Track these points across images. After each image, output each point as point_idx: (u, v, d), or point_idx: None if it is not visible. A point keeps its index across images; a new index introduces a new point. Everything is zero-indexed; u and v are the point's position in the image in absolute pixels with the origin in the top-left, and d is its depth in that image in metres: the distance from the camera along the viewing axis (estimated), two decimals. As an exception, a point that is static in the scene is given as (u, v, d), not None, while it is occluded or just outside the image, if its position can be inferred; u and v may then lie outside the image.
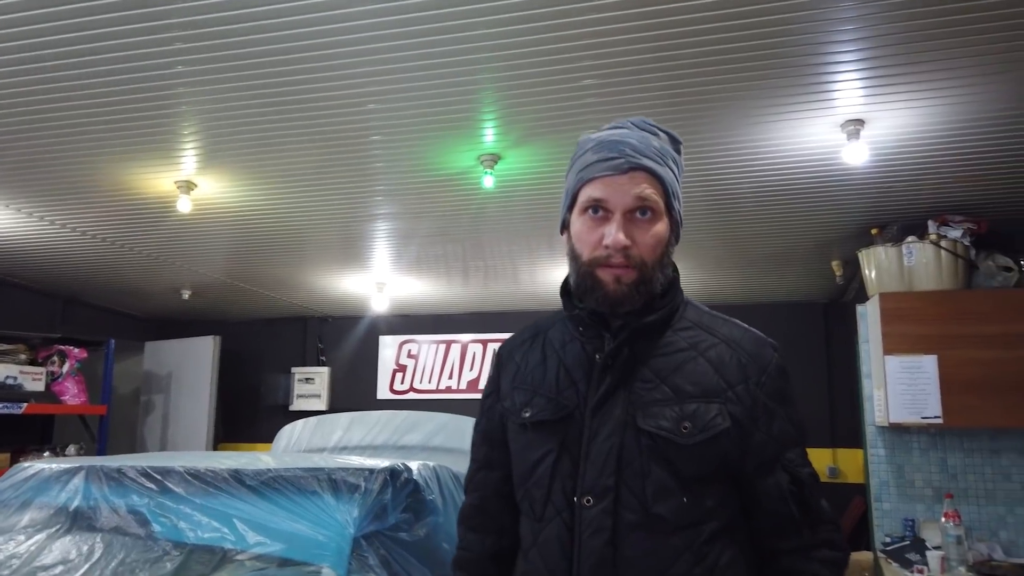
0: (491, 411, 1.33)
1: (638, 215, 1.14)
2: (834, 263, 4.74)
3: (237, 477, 2.33)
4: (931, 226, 3.73)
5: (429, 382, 6.69)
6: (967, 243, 3.66)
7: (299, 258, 5.10)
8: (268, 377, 6.98)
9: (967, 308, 3.54)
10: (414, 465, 2.69)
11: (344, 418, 4.45)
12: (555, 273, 5.35)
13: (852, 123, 2.91)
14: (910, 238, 3.74)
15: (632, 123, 1.22)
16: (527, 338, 1.32)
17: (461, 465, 3.84)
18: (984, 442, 3.74)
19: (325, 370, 6.90)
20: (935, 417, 3.49)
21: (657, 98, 2.74)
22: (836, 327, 5.77)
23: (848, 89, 2.67)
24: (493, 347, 6.40)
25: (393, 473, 2.48)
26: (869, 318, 3.89)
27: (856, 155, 2.97)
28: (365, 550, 2.28)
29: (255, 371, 7.07)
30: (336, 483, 2.35)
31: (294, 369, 6.96)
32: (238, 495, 2.29)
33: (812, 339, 5.90)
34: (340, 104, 2.82)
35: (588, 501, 1.10)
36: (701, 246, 4.66)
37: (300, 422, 4.56)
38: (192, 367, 6.71)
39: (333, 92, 2.72)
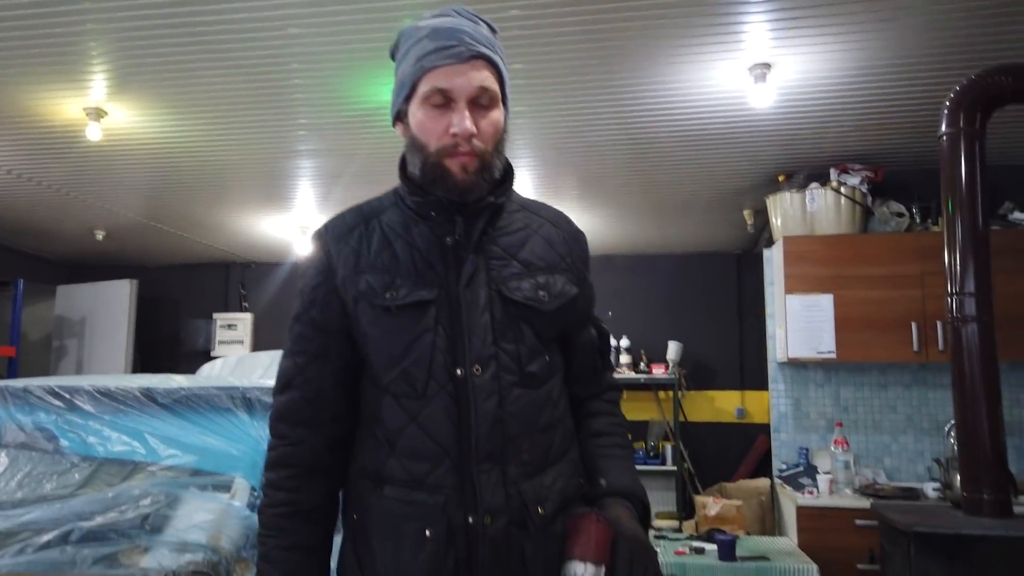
0: (327, 299, 1.24)
1: (480, 103, 1.18)
2: (746, 212, 4.95)
3: (149, 395, 2.34)
4: (833, 174, 3.95)
5: None
6: (864, 190, 3.89)
7: (218, 197, 5.00)
8: (189, 323, 6.86)
9: (862, 251, 3.78)
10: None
11: (265, 356, 4.44)
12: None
13: (759, 67, 3.04)
14: (813, 185, 3.95)
15: (455, 11, 1.23)
16: (356, 224, 1.28)
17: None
18: (874, 376, 4.03)
19: (248, 316, 6.81)
20: (829, 352, 3.74)
21: (574, 34, 2.80)
22: (748, 276, 6.04)
23: (756, 32, 2.79)
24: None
25: (309, 393, 2.53)
26: (774, 261, 4.11)
27: (763, 98, 3.11)
28: (279, 465, 2.34)
29: (175, 317, 6.93)
30: (251, 401, 2.38)
31: (216, 315, 6.85)
32: (150, 412, 2.30)
33: (725, 288, 6.17)
34: (258, 28, 2.77)
35: (477, 370, 1.18)
36: (618, 194, 4.78)
37: (220, 360, 4.53)
38: (107, 312, 6.52)
39: (250, 14, 2.68)
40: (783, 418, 4.10)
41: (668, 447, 5.51)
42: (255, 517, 2.01)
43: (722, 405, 6.02)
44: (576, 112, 3.55)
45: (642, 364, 5.79)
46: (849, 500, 3.48)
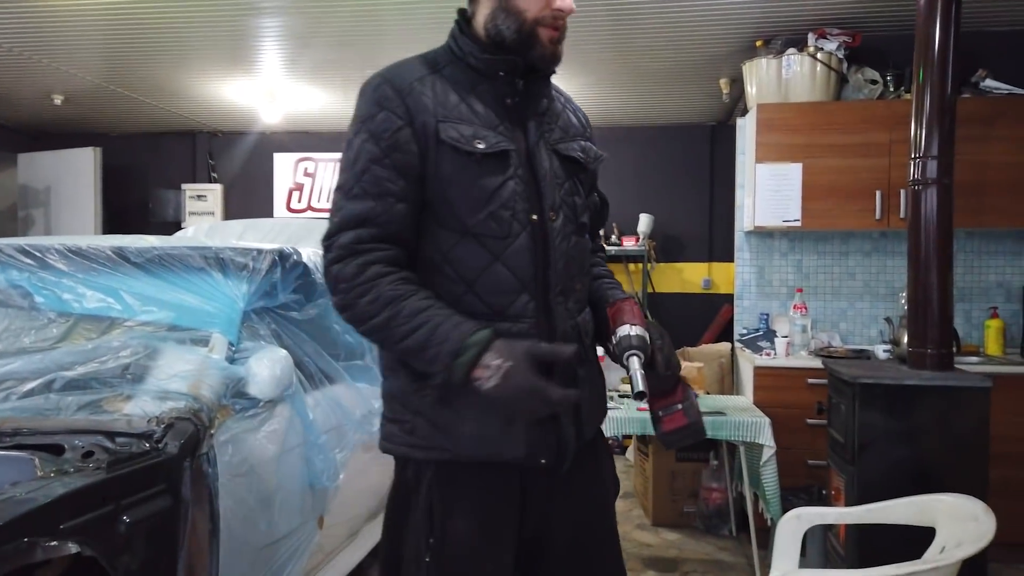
0: (407, 143, 1.28)
1: None
2: (722, 81, 4.87)
3: (121, 254, 2.35)
4: (810, 39, 3.88)
5: (327, 201, 6.63)
6: (841, 56, 3.84)
7: (181, 59, 4.79)
8: (157, 193, 6.73)
9: (833, 119, 3.78)
10: (305, 249, 2.77)
11: (238, 225, 4.43)
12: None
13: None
14: (790, 51, 3.88)
15: None
16: (423, 72, 1.33)
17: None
18: (836, 244, 4.15)
19: (218, 187, 6.70)
20: (794, 220, 3.82)
21: None
22: (721, 148, 6.02)
23: None
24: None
25: (282, 255, 2.55)
26: (747, 131, 4.10)
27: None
28: (256, 322, 2.40)
29: (143, 187, 6.79)
30: (224, 262, 2.41)
31: (184, 186, 6.72)
32: (123, 271, 2.32)
33: (698, 160, 6.16)
34: None
35: (552, 216, 1.35)
36: (594, 60, 4.66)
37: (193, 227, 4.52)
38: (72, 181, 6.37)
39: None
40: (746, 286, 4.24)
41: (637, 316, 5.67)
42: (234, 369, 2.11)
43: (690, 277, 6.16)
44: None
45: (613, 236, 5.87)
46: (803, 361, 3.66)
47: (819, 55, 3.81)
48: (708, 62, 4.64)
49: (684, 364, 4.25)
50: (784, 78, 3.90)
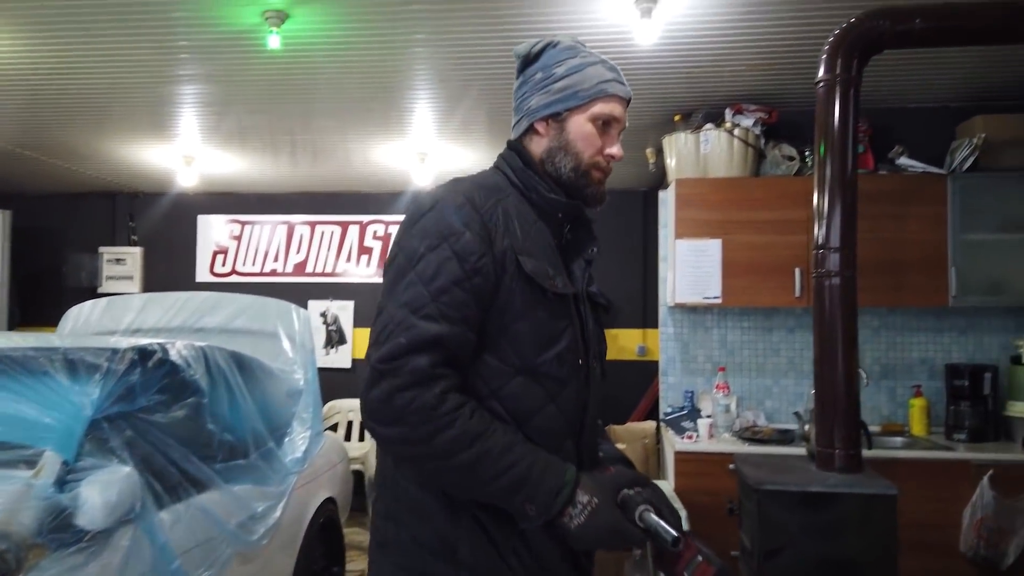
0: (488, 270, 1.23)
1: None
2: (648, 150, 4.83)
3: (-49, 358, 2.11)
4: (727, 114, 3.85)
5: (253, 264, 6.41)
6: (758, 132, 3.81)
7: (98, 124, 4.60)
8: (72, 257, 6.43)
9: (751, 195, 3.73)
10: (176, 345, 2.56)
11: (138, 299, 4.18)
12: (388, 153, 5.14)
13: (645, 1, 2.86)
14: (708, 125, 3.84)
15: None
16: (493, 198, 1.30)
17: (264, 348, 3.76)
18: (759, 320, 4.06)
19: (137, 250, 6.43)
20: (715, 297, 3.72)
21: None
22: (653, 214, 5.98)
23: None
24: (323, 230, 6.20)
25: (143, 353, 2.34)
26: (668, 204, 4.03)
27: (647, 34, 2.95)
28: (106, 432, 2.16)
29: (56, 250, 6.49)
30: (73, 364, 2.19)
31: (102, 249, 6.44)
32: (-47, 377, 2.08)
33: (631, 225, 6.11)
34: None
35: (595, 363, 1.38)
36: (508, 128, 4.59)
37: (89, 303, 4.24)
38: (-22, 245, 6.06)
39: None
40: (671, 362, 4.12)
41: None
42: (58, 498, 1.87)
43: (624, 343, 6.05)
44: (468, 42, 3.33)
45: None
46: (726, 444, 3.52)
47: (736, 131, 3.78)
48: (632, 132, 4.59)
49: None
50: (702, 153, 3.85)
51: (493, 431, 1.19)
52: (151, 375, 2.32)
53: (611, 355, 5.92)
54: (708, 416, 3.76)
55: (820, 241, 2.46)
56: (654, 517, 1.22)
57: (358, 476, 5.40)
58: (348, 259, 6.30)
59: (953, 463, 3.35)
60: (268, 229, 6.42)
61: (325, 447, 3.86)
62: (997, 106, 3.81)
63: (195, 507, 2.36)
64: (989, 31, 2.40)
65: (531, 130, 1.37)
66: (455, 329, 1.19)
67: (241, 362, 2.97)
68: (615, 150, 1.36)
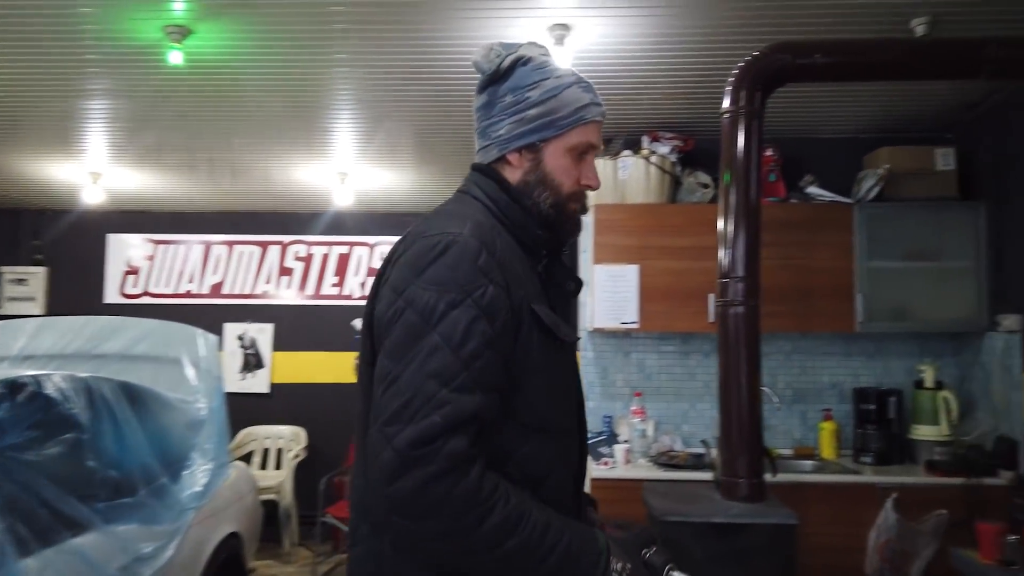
0: (509, 326, 1.10)
1: None
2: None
3: None
4: (644, 141, 3.89)
5: (167, 285, 6.15)
6: (674, 159, 3.86)
7: (3, 139, 4.37)
8: (-31, 277, 6.06)
9: (667, 221, 3.76)
10: (53, 377, 2.40)
11: (31, 323, 3.94)
12: (310, 172, 5.01)
13: (558, 27, 2.86)
14: (626, 152, 3.87)
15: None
16: (497, 243, 1.16)
17: (166, 375, 3.57)
18: (677, 345, 4.08)
19: (41, 271, 6.10)
20: (632, 322, 3.72)
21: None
22: (578, 239, 6.01)
23: None
24: (241, 249, 6.00)
25: (13, 387, 2.18)
26: (587, 229, 4.03)
27: (561, 61, 2.94)
28: (-34, 472, 2.00)
29: (-49, 270, 6.11)
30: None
31: (3, 269, 6.09)
32: None
33: (558, 248, 6.12)
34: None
35: (583, 413, 1.30)
36: (443, 151, 4.55)
37: (-25, 328, 3.97)
38: None
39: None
40: (591, 386, 4.09)
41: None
42: None
43: (550, 366, 6.03)
44: (389, 64, 3.28)
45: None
46: (641, 470, 3.51)
47: (653, 158, 3.81)
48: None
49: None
50: (620, 179, 3.87)
51: (530, 510, 1.07)
52: (21, 410, 2.16)
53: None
54: (625, 441, 3.74)
55: (724, 270, 2.48)
56: (681, 574, 1.21)
57: (272, 506, 5.20)
58: (268, 280, 6.12)
59: (859, 486, 3.41)
60: (184, 249, 6.18)
61: (231, 479, 3.69)
62: (901, 138, 3.95)
63: (69, 551, 2.19)
64: (886, 67, 2.47)
65: (502, 160, 1.25)
66: (490, 399, 1.07)
67: (132, 393, 2.81)
68: (593, 180, 1.27)
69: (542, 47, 1.28)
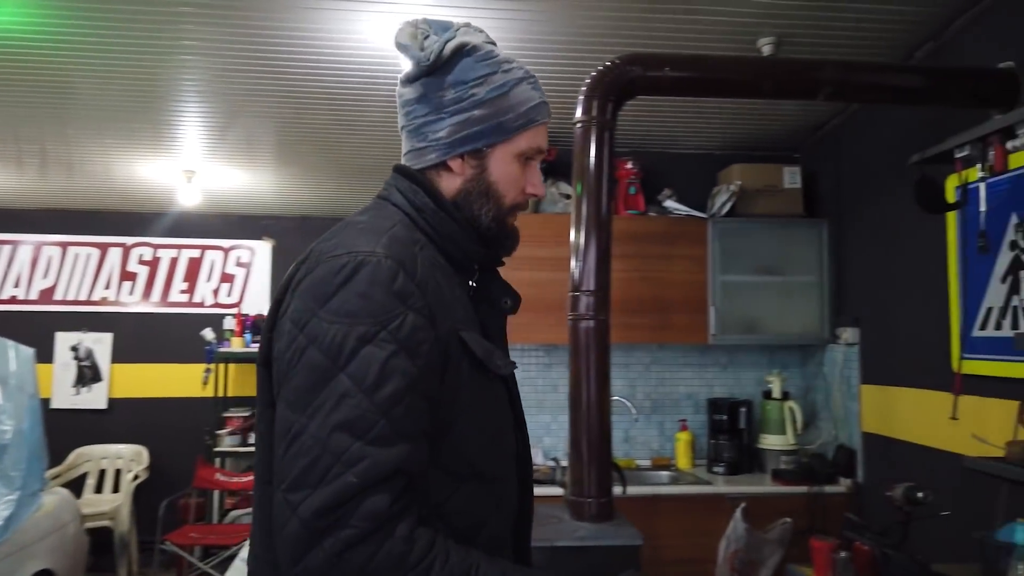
0: (434, 360, 0.95)
1: None
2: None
3: None
4: (508, 149, 3.81)
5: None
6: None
7: None
8: None
9: (529, 231, 3.59)
10: None
11: None
12: (156, 169, 4.60)
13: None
14: (488, 159, 3.78)
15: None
16: (418, 261, 0.99)
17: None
18: (541, 356, 4.03)
19: None
20: (493, 334, 3.63)
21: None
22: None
23: None
24: (77, 251, 5.47)
25: None
26: (449, 236, 3.91)
27: (413, 61, 2.81)
28: None
29: None
30: None
31: None
32: None
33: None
34: None
35: (527, 453, 1.15)
36: (303, 151, 4.31)
37: None
38: None
39: None
40: (452, 400, 3.97)
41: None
42: None
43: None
44: (242, 56, 3.04)
45: (331, 336, 5.41)
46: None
47: (515, 166, 3.75)
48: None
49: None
50: (483, 186, 3.78)
51: (476, 564, 0.92)
52: None
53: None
54: (485, 457, 3.64)
55: (575, 283, 2.42)
56: None
57: (107, 533, 4.74)
58: (108, 286, 5.60)
59: (710, 497, 3.47)
60: (9, 250, 5.56)
61: (47, 508, 3.31)
62: (754, 156, 4.09)
63: None
64: (731, 84, 2.50)
65: (441, 165, 1.08)
66: (416, 448, 0.91)
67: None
68: (538, 188, 1.14)
69: (481, 31, 1.12)
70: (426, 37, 1.06)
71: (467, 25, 1.11)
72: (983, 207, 1.99)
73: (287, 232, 5.75)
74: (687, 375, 4.12)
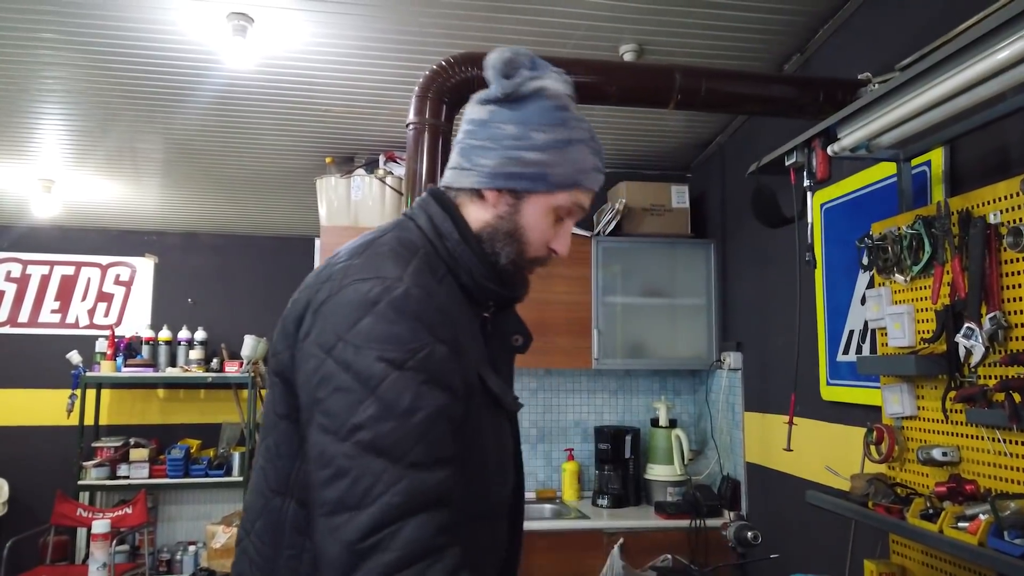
0: (455, 387, 0.96)
1: None
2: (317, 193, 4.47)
3: None
4: (380, 160, 3.60)
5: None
6: (411, 182, 3.59)
7: None
8: None
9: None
10: None
11: None
12: (7, 176, 4.25)
13: (238, 16, 2.50)
14: (359, 171, 3.56)
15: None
16: (442, 290, 1.01)
17: None
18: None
19: None
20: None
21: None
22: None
23: None
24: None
25: None
26: (317, 255, 3.66)
27: (240, 57, 2.58)
28: None
29: None
30: None
31: None
32: None
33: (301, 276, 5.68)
34: None
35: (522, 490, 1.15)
36: (178, 162, 4.03)
37: None
38: None
39: None
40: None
41: (237, 454, 4.87)
42: None
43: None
44: (108, 55, 2.79)
45: (214, 362, 5.06)
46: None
47: (388, 179, 3.53)
48: (294, 175, 4.21)
49: (232, 531, 3.55)
50: (353, 199, 3.55)
51: None
52: None
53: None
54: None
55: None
56: None
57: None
58: (-32, 305, 5.17)
59: (587, 533, 3.25)
60: None
61: None
62: (645, 174, 3.94)
63: None
64: (584, 88, 2.31)
65: (476, 192, 1.08)
66: (451, 475, 0.91)
67: None
68: (563, 248, 1.12)
69: (569, 84, 1.11)
70: (516, 68, 1.07)
71: (560, 72, 1.11)
72: (810, 219, 1.83)
73: (171, 249, 5.41)
74: (575, 401, 3.91)
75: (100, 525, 4.00)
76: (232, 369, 4.94)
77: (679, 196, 3.71)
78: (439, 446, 0.91)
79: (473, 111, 1.11)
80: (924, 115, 1.45)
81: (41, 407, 5.06)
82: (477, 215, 1.08)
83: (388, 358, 0.90)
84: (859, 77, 2.32)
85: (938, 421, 1.72)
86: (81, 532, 4.76)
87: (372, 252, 1.01)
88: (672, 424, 3.63)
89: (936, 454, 1.65)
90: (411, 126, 2.26)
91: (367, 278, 0.95)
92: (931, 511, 1.50)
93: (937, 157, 1.92)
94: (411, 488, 0.87)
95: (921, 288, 1.77)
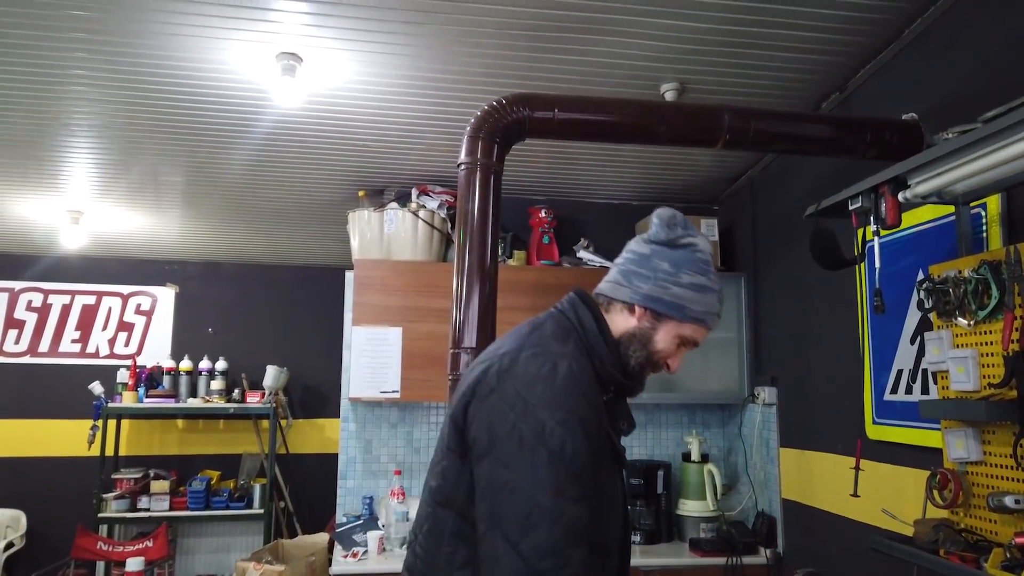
0: (597, 443, 1.24)
1: None
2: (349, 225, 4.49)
3: None
4: (413, 194, 3.61)
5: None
6: (443, 215, 3.60)
7: None
8: None
9: (434, 281, 3.47)
10: None
11: None
12: (36, 208, 4.26)
13: (288, 56, 2.52)
14: (392, 204, 3.57)
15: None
16: (586, 365, 1.31)
17: None
18: (441, 414, 3.76)
19: None
20: (393, 392, 3.37)
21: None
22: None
23: (287, 19, 2.29)
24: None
25: None
26: (349, 287, 3.66)
27: (289, 95, 2.60)
28: None
29: None
30: None
31: None
32: None
33: (338, 306, 5.68)
34: None
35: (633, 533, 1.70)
36: (200, 193, 4.04)
37: None
38: None
39: None
40: (351, 463, 3.66)
41: (258, 486, 4.84)
42: None
43: (331, 434, 5.50)
44: (138, 89, 2.82)
45: (236, 392, 5.04)
46: (395, 562, 3.10)
47: (421, 212, 3.54)
48: (324, 207, 4.23)
49: (264, 568, 3.51)
50: (386, 233, 3.55)
51: None
52: None
53: (316, 447, 5.29)
54: (381, 527, 3.33)
55: (455, 339, 2.19)
56: None
57: (-34, 613, 4.24)
58: (-9, 335, 5.16)
59: (623, 570, 3.20)
60: None
61: None
62: (672, 207, 3.94)
63: None
64: (625, 129, 2.34)
65: (626, 305, 1.37)
66: (585, 509, 1.17)
67: None
68: (675, 366, 1.41)
69: (709, 243, 1.41)
70: (675, 225, 1.37)
71: (703, 236, 1.43)
72: (877, 264, 1.84)
73: (192, 279, 5.42)
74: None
75: (135, 563, 3.95)
76: (254, 400, 4.92)
77: (708, 229, 3.72)
78: (588, 488, 1.18)
79: (637, 246, 1.40)
80: (1004, 166, 1.46)
81: (59, 438, 5.03)
82: (623, 323, 1.37)
83: (558, 418, 1.18)
84: (903, 118, 2.34)
85: (1008, 467, 1.71)
86: (100, 565, 4.70)
87: (540, 334, 1.32)
88: (704, 459, 3.60)
89: (1009, 501, 1.63)
90: (463, 166, 2.26)
91: (540, 353, 1.27)
92: (1013, 562, 1.49)
93: (993, 201, 1.93)
94: (571, 519, 1.14)
95: (986, 332, 1.77)
